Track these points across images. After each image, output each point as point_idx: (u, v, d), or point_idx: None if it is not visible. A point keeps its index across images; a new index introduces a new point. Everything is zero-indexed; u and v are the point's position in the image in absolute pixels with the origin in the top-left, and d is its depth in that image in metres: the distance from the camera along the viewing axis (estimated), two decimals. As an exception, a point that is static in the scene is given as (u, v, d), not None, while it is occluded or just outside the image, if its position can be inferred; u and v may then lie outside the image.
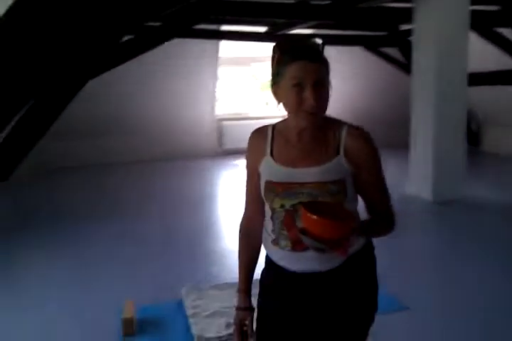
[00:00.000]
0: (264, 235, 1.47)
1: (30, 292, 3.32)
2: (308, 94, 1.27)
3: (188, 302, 2.71)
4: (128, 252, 4.02)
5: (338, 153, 1.35)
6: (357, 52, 7.78)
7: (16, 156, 6.53)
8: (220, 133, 8.49)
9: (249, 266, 1.53)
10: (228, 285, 2.98)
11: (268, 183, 1.39)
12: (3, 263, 3.89)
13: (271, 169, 1.40)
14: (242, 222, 1.55)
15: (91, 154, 7.71)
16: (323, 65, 1.31)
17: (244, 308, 1.49)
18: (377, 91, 8.64)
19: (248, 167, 1.48)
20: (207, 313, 2.54)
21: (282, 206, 1.36)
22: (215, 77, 8.03)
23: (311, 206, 1.19)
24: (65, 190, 6.39)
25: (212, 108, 8.33)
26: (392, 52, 7.49)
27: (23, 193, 6.19)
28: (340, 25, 6.73)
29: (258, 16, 5.73)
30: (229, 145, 8.44)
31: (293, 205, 1.33)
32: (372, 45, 7.56)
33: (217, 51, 7.69)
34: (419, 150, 5.49)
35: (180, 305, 2.79)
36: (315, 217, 1.13)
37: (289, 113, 1.35)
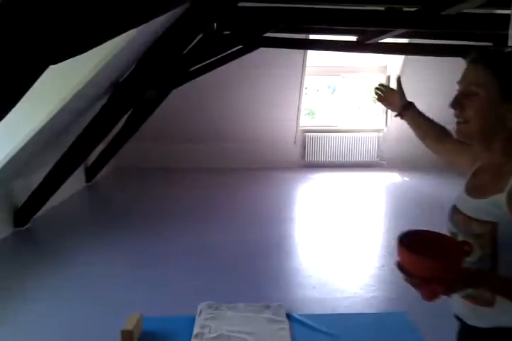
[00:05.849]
0: None
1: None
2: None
3: (199, 321, 2.46)
4: (182, 261, 3.97)
5: (503, 190, 1.11)
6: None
7: (104, 159, 6.92)
8: (304, 145, 8.28)
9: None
10: (249, 309, 2.67)
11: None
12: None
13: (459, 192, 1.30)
14: None
15: (166, 158, 7.87)
16: (487, 69, 1.10)
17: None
18: None
19: None
20: (213, 335, 2.28)
21: (449, 231, 1.25)
22: (300, 87, 7.85)
23: (422, 236, 1.10)
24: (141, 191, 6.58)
25: (297, 119, 8.14)
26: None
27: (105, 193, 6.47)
28: (439, 34, 6.17)
29: (344, 24, 5.41)
30: (312, 157, 8.23)
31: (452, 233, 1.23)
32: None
33: (304, 61, 7.52)
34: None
35: (192, 321, 2.56)
36: (401, 248, 1.05)
37: None
